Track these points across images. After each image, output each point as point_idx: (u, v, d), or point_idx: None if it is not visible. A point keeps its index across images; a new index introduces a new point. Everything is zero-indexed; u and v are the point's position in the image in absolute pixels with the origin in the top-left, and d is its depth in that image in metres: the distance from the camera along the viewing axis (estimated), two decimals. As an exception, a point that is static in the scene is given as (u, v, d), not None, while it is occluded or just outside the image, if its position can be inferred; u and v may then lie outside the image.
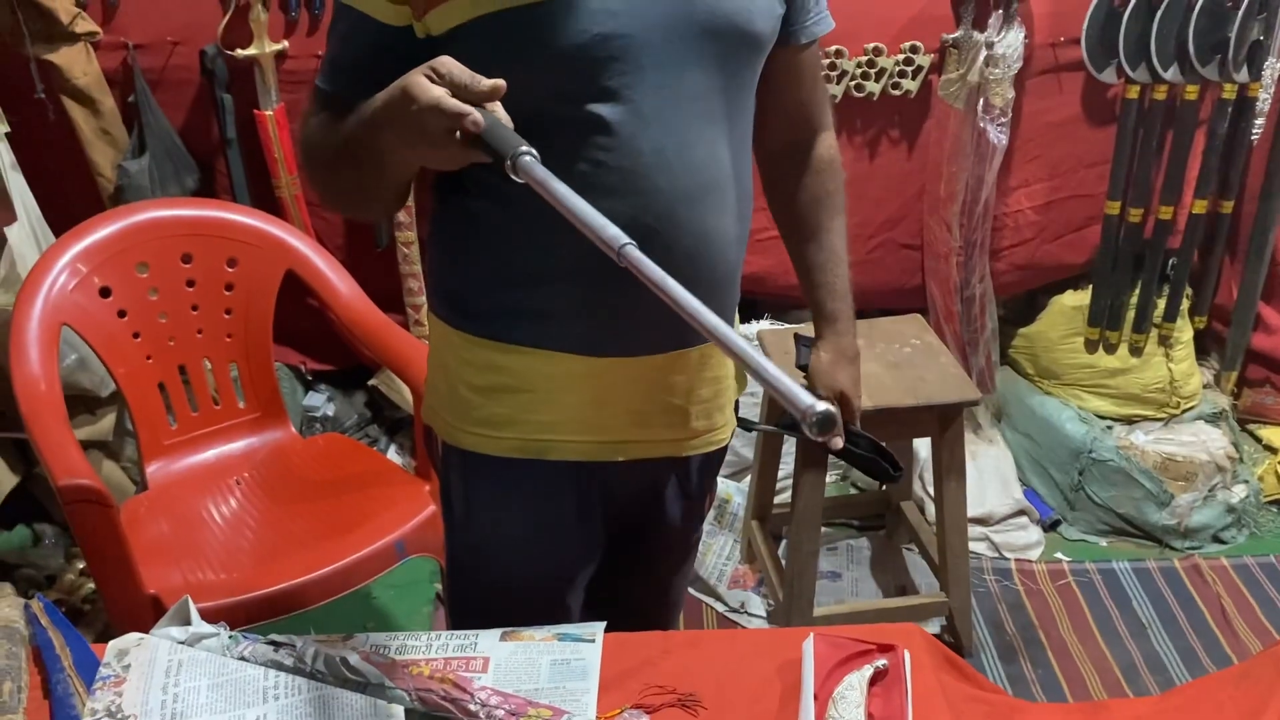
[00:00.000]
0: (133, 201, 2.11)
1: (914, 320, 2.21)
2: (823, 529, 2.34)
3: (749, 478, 2.50)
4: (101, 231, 1.90)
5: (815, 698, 1.04)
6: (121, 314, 1.91)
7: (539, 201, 0.87)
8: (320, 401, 2.59)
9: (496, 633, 1.14)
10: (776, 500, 2.45)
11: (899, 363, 2.06)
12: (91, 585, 2.22)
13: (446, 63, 0.90)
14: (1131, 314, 2.57)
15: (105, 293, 1.89)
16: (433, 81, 0.89)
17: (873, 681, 1.07)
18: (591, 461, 1.20)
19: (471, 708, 1.00)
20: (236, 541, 1.82)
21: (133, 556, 1.61)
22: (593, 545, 1.28)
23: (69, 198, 2.26)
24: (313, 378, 2.65)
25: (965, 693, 1.15)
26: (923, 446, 2.50)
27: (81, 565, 2.27)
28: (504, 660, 1.11)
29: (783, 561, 2.24)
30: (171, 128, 2.29)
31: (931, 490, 2.31)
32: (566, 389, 1.15)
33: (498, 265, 1.12)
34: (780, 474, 2.44)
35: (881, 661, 1.08)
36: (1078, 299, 2.62)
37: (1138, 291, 2.56)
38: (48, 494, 2.35)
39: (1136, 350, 2.59)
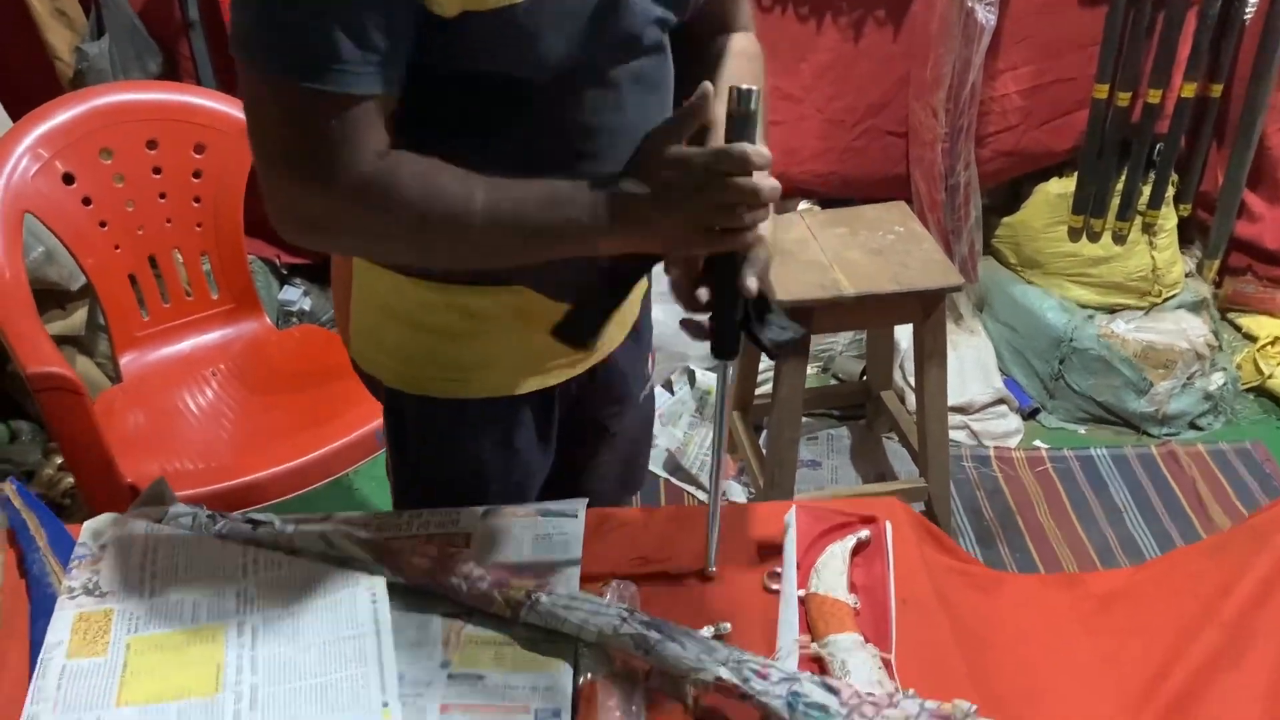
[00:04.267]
0: (93, 85, 2.03)
1: (897, 207, 2.18)
2: (803, 419, 2.34)
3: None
4: (62, 115, 1.83)
5: (798, 567, 1.04)
6: (86, 202, 1.85)
7: (507, 146, 0.88)
8: (296, 296, 2.55)
9: (478, 510, 1.13)
10: (757, 392, 2.44)
11: (882, 249, 2.03)
12: (71, 480, 2.21)
13: (746, 151, 0.86)
14: (1116, 201, 2.55)
15: (69, 179, 1.83)
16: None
17: (855, 552, 1.08)
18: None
19: (453, 580, 1.00)
20: (214, 432, 1.80)
21: (109, 446, 1.59)
22: (549, 456, 1.25)
23: (26, 83, 2.18)
24: (288, 271, 2.60)
25: (945, 564, 1.15)
26: (904, 337, 2.49)
27: (60, 460, 2.25)
28: (486, 536, 1.10)
29: (763, 450, 2.25)
30: (131, 9, 2.20)
31: (912, 380, 2.31)
32: (536, 322, 1.10)
33: None
34: (761, 366, 2.43)
35: (864, 532, 1.08)
36: (1062, 186, 2.59)
37: (1123, 178, 2.53)
38: (23, 391, 2.32)
39: (1120, 238, 2.58)
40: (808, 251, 2.02)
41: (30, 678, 0.93)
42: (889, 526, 1.09)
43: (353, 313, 1.16)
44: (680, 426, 2.55)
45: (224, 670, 0.93)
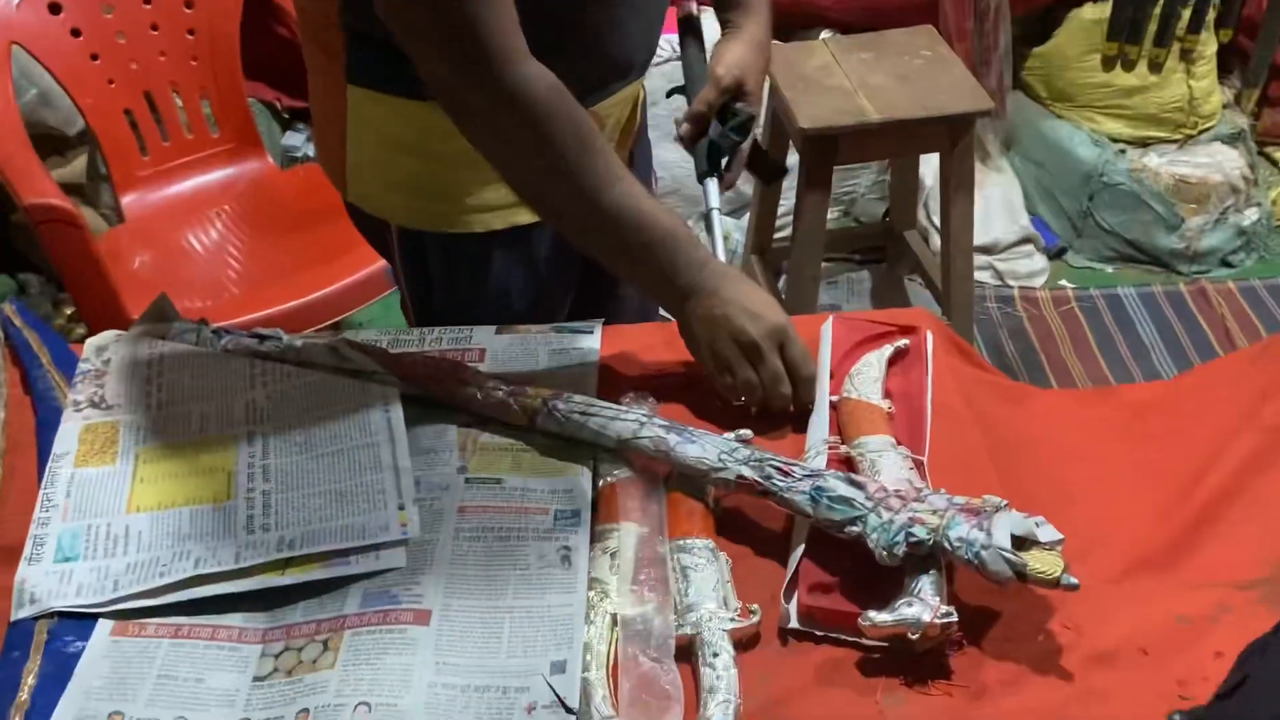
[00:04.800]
0: (74, -89, 1.92)
1: (925, 31, 2.07)
2: (824, 263, 2.29)
3: (748, 214, 2.42)
4: (43, -59, 1.74)
5: (832, 375, 1.00)
6: (76, 33, 1.78)
7: None
8: (300, 140, 2.48)
9: (491, 328, 1.10)
10: (776, 236, 2.38)
11: (908, 75, 1.94)
12: (82, 330, 2.19)
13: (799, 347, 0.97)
14: (1154, 26, 2.43)
15: (55, 9, 1.75)
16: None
17: (892, 362, 1.04)
18: None
19: (468, 390, 0.97)
20: (220, 271, 1.77)
21: (114, 282, 1.56)
22: (573, 285, 1.22)
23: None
24: (290, 116, 2.52)
25: (975, 375, 1.11)
26: (928, 174, 2.41)
27: (70, 311, 2.23)
28: (501, 351, 1.07)
29: (783, 295, 2.20)
30: None
31: (936, 220, 2.24)
32: None
33: None
34: (780, 210, 2.36)
35: (903, 341, 1.04)
36: (1097, 12, 2.46)
37: (1161, 1, 2.40)
38: (31, 244, 2.28)
39: (1156, 66, 2.46)
40: (831, 77, 1.93)
41: (39, 488, 0.91)
42: (929, 335, 1.05)
43: (349, 150, 1.08)
44: (697, 272, 2.50)
45: (235, 478, 0.91)
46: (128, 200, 1.87)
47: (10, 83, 1.66)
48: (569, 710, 0.73)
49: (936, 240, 2.23)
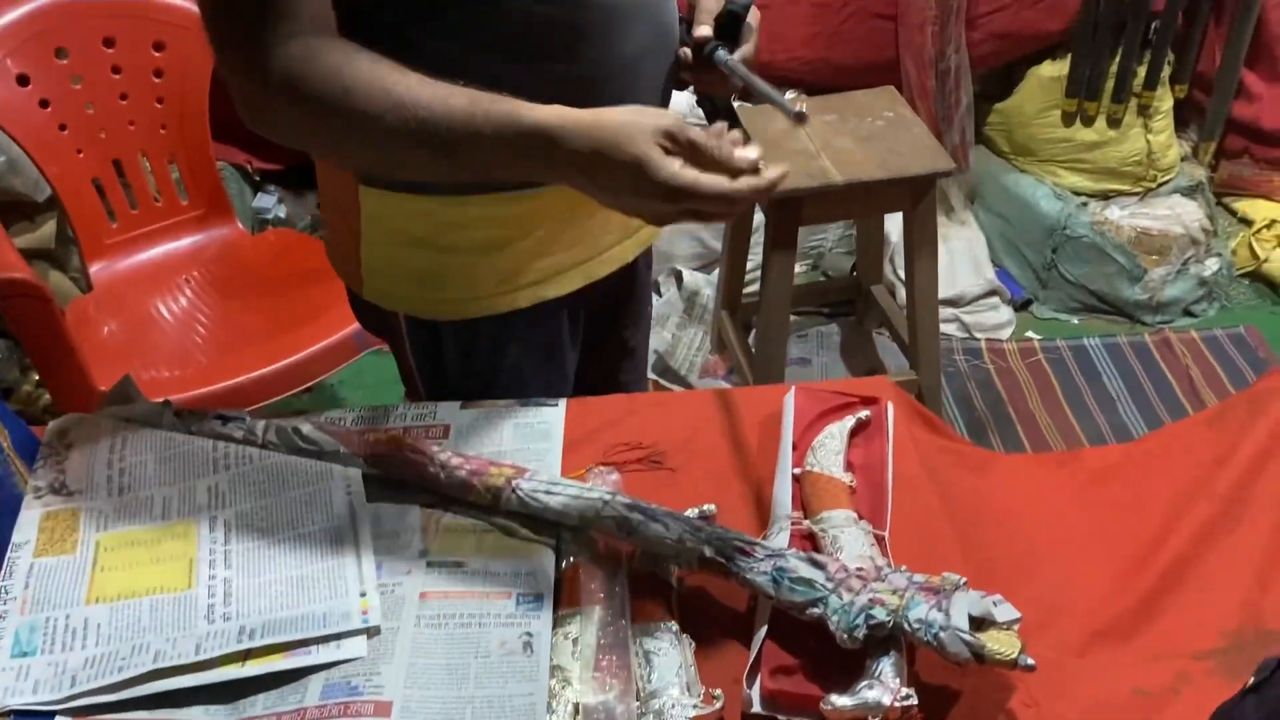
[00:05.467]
0: (43, -17, 1.94)
1: (887, 93, 2.11)
2: (792, 317, 2.31)
3: (718, 270, 2.45)
4: (12, 13, 1.76)
5: (794, 447, 1.01)
6: (44, 104, 1.79)
7: (502, 39, 0.86)
8: (270, 203, 2.49)
9: (456, 403, 1.10)
10: (745, 291, 2.40)
11: (871, 136, 1.97)
12: (47, 399, 2.18)
13: (687, 131, 0.79)
14: (1110, 83, 2.48)
15: (23, 81, 1.76)
16: (669, 153, 0.79)
17: (854, 433, 1.05)
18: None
19: (431, 469, 0.97)
20: (188, 339, 1.76)
21: (81, 354, 1.55)
22: (575, 357, 1.23)
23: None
24: (260, 178, 2.54)
25: (936, 444, 1.13)
26: (894, 230, 2.44)
27: (37, 377, 2.22)
28: (465, 426, 1.07)
29: (753, 349, 2.22)
30: (80, -98, 2.09)
31: (902, 273, 2.27)
32: (567, 216, 1.06)
33: None
34: (749, 265, 2.39)
35: (864, 413, 1.05)
36: (1056, 69, 2.52)
37: (1118, 59, 2.46)
38: (-3, 309, 2.27)
39: (1115, 122, 2.51)
40: (795, 140, 1.96)
41: (-3, 578, 0.91)
42: (890, 407, 1.06)
43: (364, 249, 1.07)
44: (669, 328, 2.51)
45: (197, 565, 0.90)
46: (96, 268, 1.87)
47: (-23, 156, 1.66)
48: (530, 804, 0.72)
49: (903, 294, 2.25)
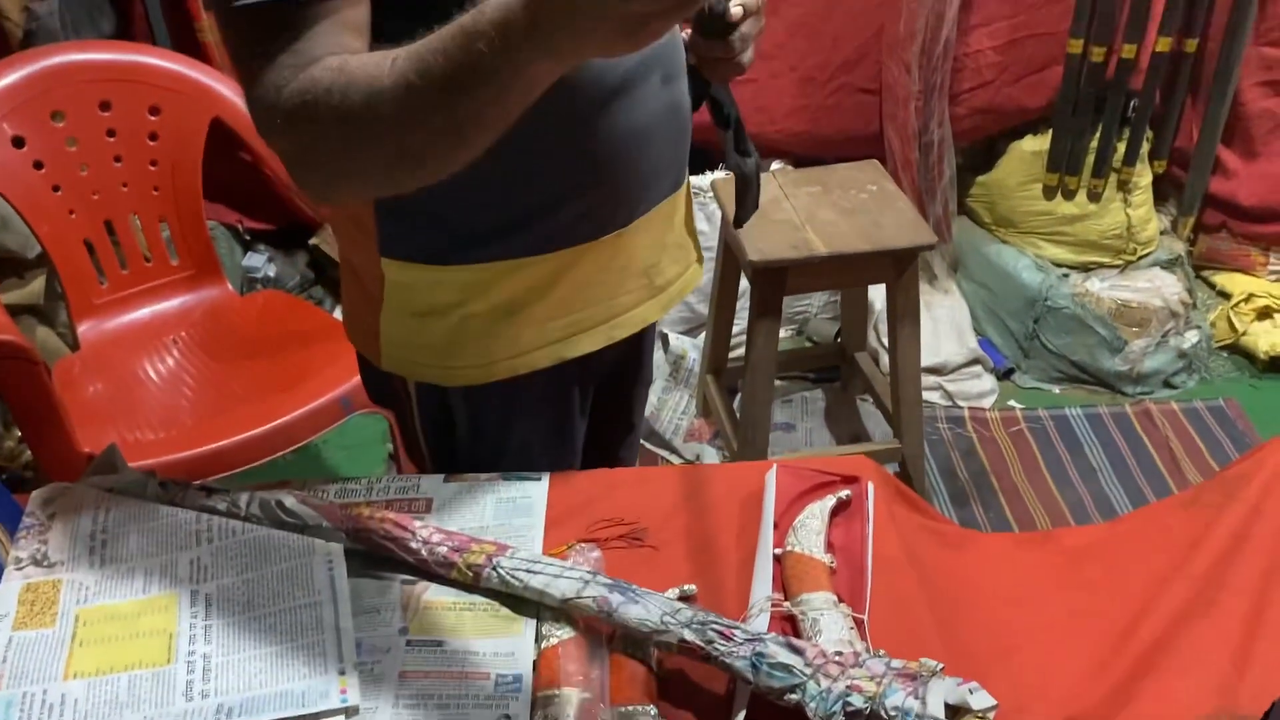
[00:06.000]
0: (43, 45, 1.97)
1: (870, 166, 2.15)
2: (777, 382, 2.32)
3: (704, 334, 2.47)
4: (10, 76, 1.78)
5: (776, 526, 1.02)
6: (38, 165, 1.80)
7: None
8: (260, 262, 2.50)
9: (439, 476, 1.11)
10: (731, 355, 2.42)
11: (854, 209, 2.01)
12: (28, 457, 2.17)
13: None
14: (1091, 158, 2.53)
15: (19, 143, 1.78)
16: None
17: (835, 512, 1.06)
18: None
19: (413, 545, 0.97)
20: (174, 400, 1.76)
21: (66, 416, 1.55)
22: (583, 430, 1.24)
23: (-25, 44, 2.11)
24: (251, 237, 2.55)
25: (916, 522, 1.14)
26: (878, 297, 2.47)
27: (19, 435, 2.21)
28: (448, 500, 1.08)
29: (737, 414, 2.23)
30: (82, -33, 2.14)
31: (886, 340, 2.29)
32: (588, 275, 1.08)
33: (493, 185, 1.00)
34: (735, 329, 2.41)
35: (845, 492, 1.06)
36: (1037, 144, 2.57)
37: (1098, 135, 2.51)
38: (-19, 362, 2.27)
39: (1095, 196, 2.56)
40: (780, 211, 2.00)
41: (-25, 651, 0.90)
42: (870, 487, 1.07)
43: (383, 320, 1.08)
44: (655, 391, 2.53)
45: (176, 640, 0.90)
46: (84, 328, 1.87)
47: (-31, 217, 1.68)
48: None
49: (887, 361, 2.27)
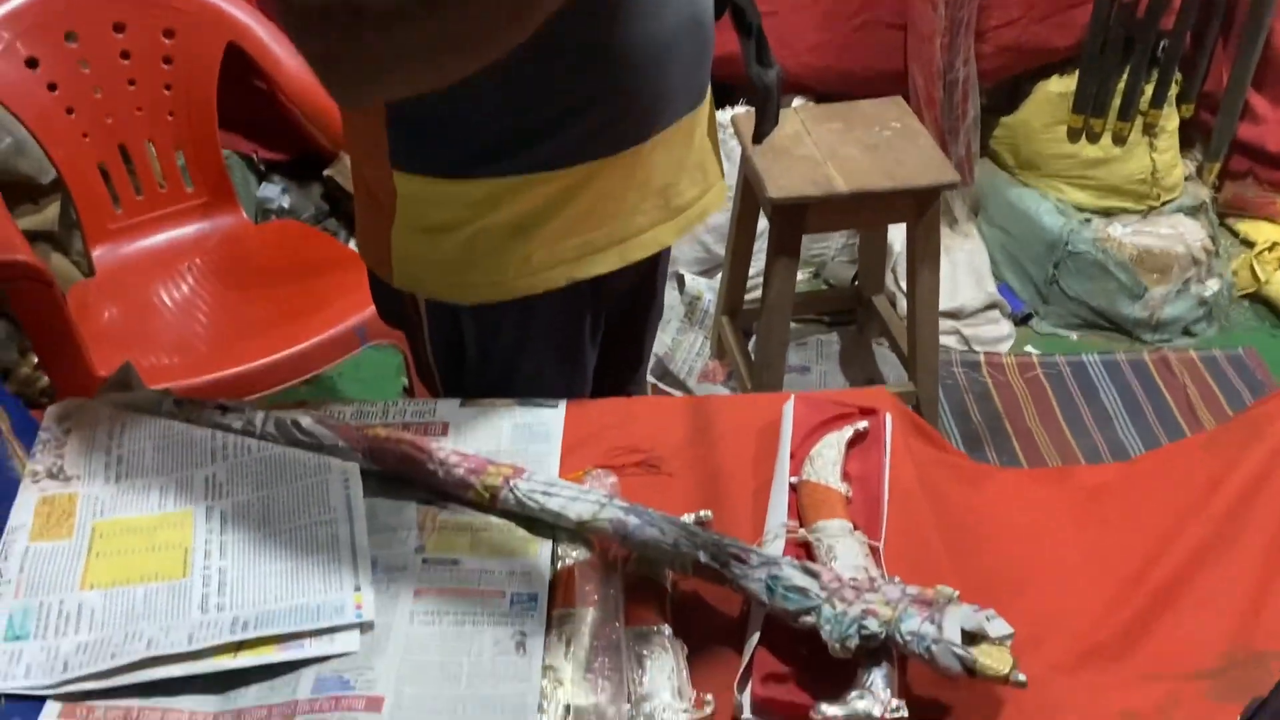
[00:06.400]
0: (55, -34, 1.94)
1: (894, 103, 2.11)
2: (793, 324, 2.31)
3: (720, 275, 2.45)
4: (23, -4, 1.76)
5: (792, 456, 1.01)
6: (52, 87, 1.78)
7: None
8: (275, 193, 2.49)
9: (455, 400, 1.10)
10: (747, 297, 2.41)
11: (877, 145, 1.98)
12: (45, 381, 2.18)
13: None
14: (1117, 101, 2.48)
15: (32, 64, 1.76)
16: None
17: (852, 444, 1.05)
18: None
19: (430, 466, 0.97)
20: (189, 327, 1.76)
21: (81, 339, 1.55)
22: (594, 359, 1.23)
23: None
24: (266, 168, 2.54)
25: (933, 456, 1.13)
26: (897, 240, 2.45)
27: (35, 360, 2.22)
28: (464, 425, 1.07)
29: (752, 355, 2.22)
30: (94, -113, 2.09)
31: (904, 284, 2.27)
32: (602, 194, 1.05)
33: (507, 96, 0.97)
34: (751, 271, 2.39)
35: (863, 424, 1.06)
36: (1063, 85, 2.52)
37: (1125, 77, 2.46)
38: (-2, 290, 2.27)
39: (1120, 139, 2.52)
40: (801, 147, 1.97)
41: (-8, 561, 0.91)
42: (889, 419, 1.06)
43: (395, 236, 1.07)
44: (669, 332, 2.51)
45: (192, 554, 0.91)
46: (98, 253, 1.86)
47: (-17, 136, 1.66)
48: (519, 804, 0.73)
49: (904, 305, 2.25)
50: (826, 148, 1.96)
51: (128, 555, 0.91)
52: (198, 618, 0.85)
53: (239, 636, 0.83)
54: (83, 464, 0.99)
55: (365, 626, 0.84)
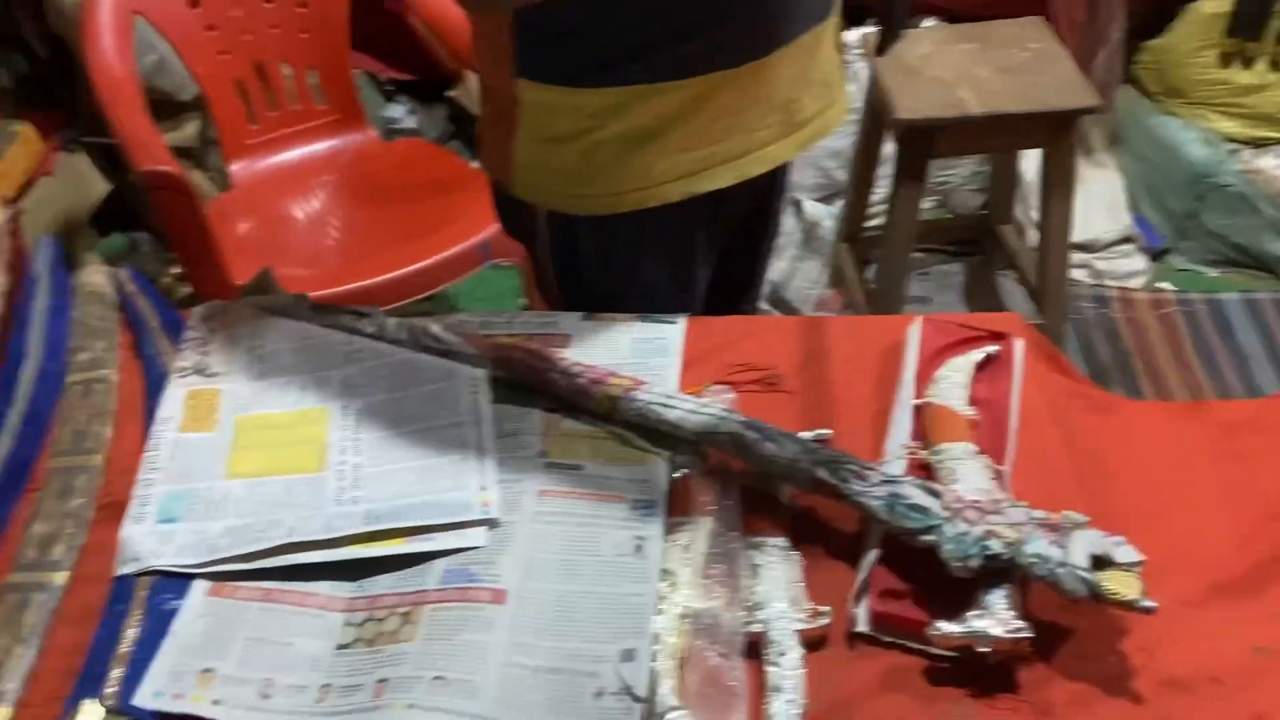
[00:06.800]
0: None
1: (1034, 24, 2.02)
2: (915, 254, 2.25)
3: (840, 201, 2.40)
4: (166, -86, 1.81)
5: (916, 378, 1.00)
6: (194, 4, 1.84)
7: None
8: (401, 113, 2.53)
9: (578, 314, 1.12)
10: (868, 225, 2.36)
11: (1013, 67, 1.90)
12: (188, 289, 2.28)
13: None
14: (1276, 23, 2.32)
15: (176, -19, 1.82)
16: None
17: (980, 368, 1.03)
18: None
19: (553, 375, 0.99)
20: (321, 240, 1.82)
21: (220, 247, 1.62)
22: (707, 278, 1.23)
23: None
24: (393, 88, 2.58)
25: (1064, 384, 1.10)
26: (1029, 169, 2.36)
27: (177, 270, 2.32)
28: (585, 337, 1.09)
29: (871, 284, 2.19)
30: None
31: (1034, 214, 2.19)
32: (724, 107, 1.05)
33: (634, 4, 0.98)
34: (874, 198, 2.34)
35: (992, 348, 1.03)
36: (1217, 5, 2.37)
37: (1288, -3, 2.30)
38: (143, 204, 2.38)
39: (1277, 64, 2.36)
40: (932, 68, 1.90)
41: (144, 450, 0.96)
42: (1019, 344, 1.03)
43: (517, 145, 1.08)
44: (785, 259, 2.48)
45: (328, 450, 0.95)
46: (235, 168, 1.93)
47: (132, 53, 1.73)
48: (636, 698, 0.75)
49: (1033, 236, 2.18)
50: (959, 69, 1.89)
51: (268, 449, 0.95)
52: (333, 509, 0.89)
53: (372, 527, 0.87)
54: (226, 362, 1.04)
55: (491, 523, 0.87)
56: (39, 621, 0.82)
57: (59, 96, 2.34)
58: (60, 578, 0.85)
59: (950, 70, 1.89)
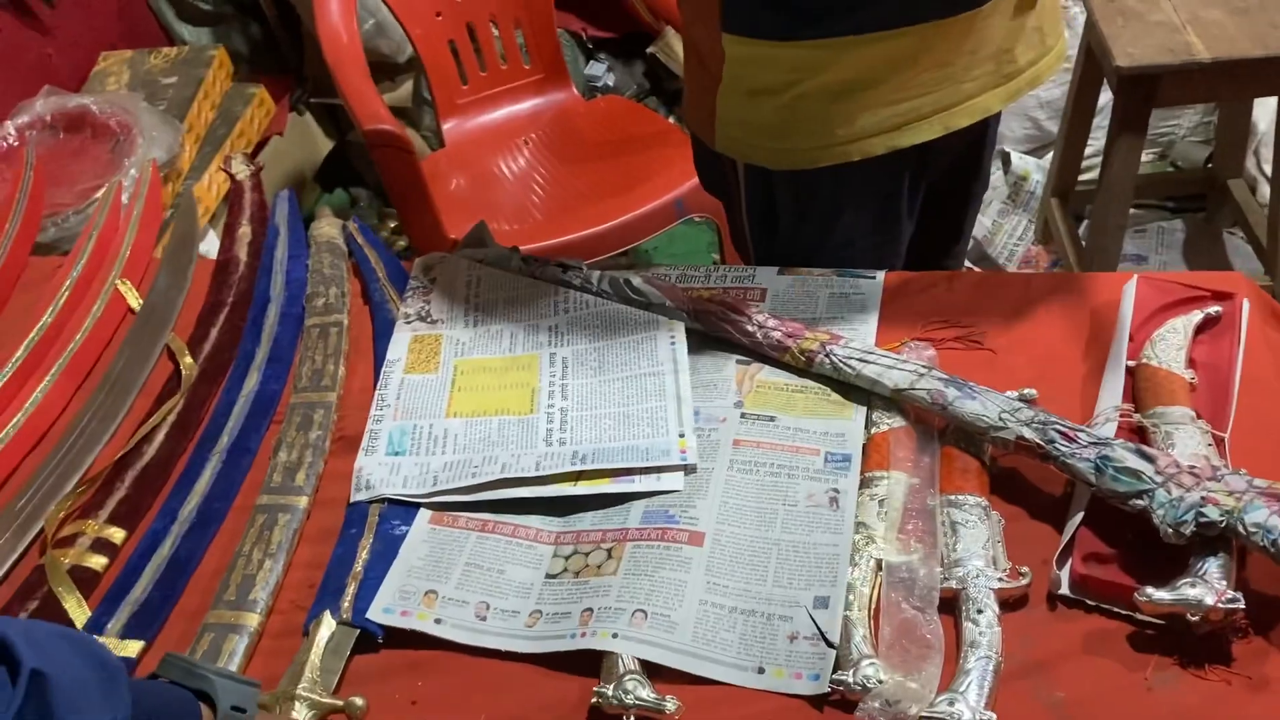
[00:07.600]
0: None
1: (1275, -41, 1.86)
2: (1132, 210, 2.13)
3: (1050, 154, 2.30)
4: (387, -118, 1.90)
5: (1132, 338, 0.96)
6: (410, -31, 1.93)
7: None
8: (601, 71, 2.58)
9: (774, 269, 1.13)
10: (1081, 178, 2.24)
11: (1248, 8, 1.76)
12: (404, 242, 2.42)
13: None
14: None
15: (394, -54, 1.91)
16: None
17: (1200, 329, 0.98)
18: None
19: (749, 328, 1.01)
20: (526, 196, 1.89)
21: (434, 202, 1.71)
22: (910, 230, 1.21)
23: None
24: (593, 46, 2.63)
25: (1294, 349, 1.03)
26: (1262, 117, 2.18)
27: (394, 224, 2.46)
28: (782, 291, 1.10)
29: (1083, 241, 2.09)
30: None
31: (1267, 168, 2.04)
32: (929, 58, 1.03)
33: None
34: (1088, 150, 2.22)
35: (1215, 308, 0.98)
36: None
37: None
38: (364, 162, 2.53)
39: None
40: (1156, 11, 1.79)
41: (374, 388, 1.04)
42: (1245, 304, 0.98)
43: (720, 99, 1.10)
44: (990, 214, 2.40)
45: (538, 394, 1.00)
46: (448, 126, 2.03)
47: (355, 18, 1.84)
48: (830, 644, 0.76)
49: (1265, 191, 2.03)
50: (1186, 11, 1.77)
51: (484, 391, 1.02)
52: (543, 449, 0.94)
53: (578, 467, 0.91)
54: (446, 309, 1.11)
55: (689, 469, 0.90)
56: (285, 540, 0.91)
57: (289, 61, 2.52)
58: (303, 501, 0.94)
59: (1176, 13, 1.77)
